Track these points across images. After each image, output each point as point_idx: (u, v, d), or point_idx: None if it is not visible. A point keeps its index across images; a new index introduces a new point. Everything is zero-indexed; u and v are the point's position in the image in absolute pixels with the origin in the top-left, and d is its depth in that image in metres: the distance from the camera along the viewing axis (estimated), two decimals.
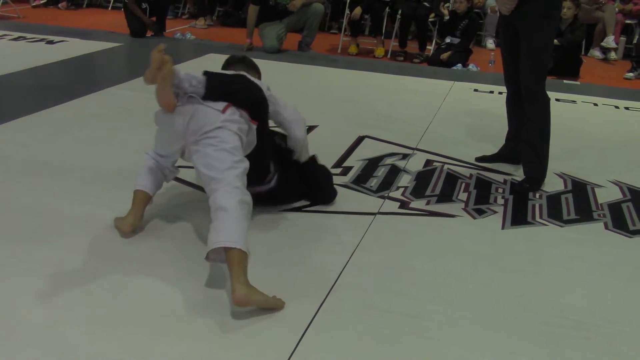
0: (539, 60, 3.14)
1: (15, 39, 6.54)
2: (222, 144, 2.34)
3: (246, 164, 2.37)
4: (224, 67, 2.87)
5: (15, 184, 2.97)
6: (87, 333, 1.95)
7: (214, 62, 5.84)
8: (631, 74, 6.54)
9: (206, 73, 2.51)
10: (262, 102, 2.60)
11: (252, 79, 2.66)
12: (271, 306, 2.09)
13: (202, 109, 2.41)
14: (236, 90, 2.51)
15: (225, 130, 2.37)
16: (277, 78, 5.45)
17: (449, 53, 6.56)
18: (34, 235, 2.51)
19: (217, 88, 2.46)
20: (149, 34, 7.03)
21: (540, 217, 2.96)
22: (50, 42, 6.46)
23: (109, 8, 9.42)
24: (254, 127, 2.51)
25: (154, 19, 7.10)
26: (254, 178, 2.53)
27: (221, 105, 2.42)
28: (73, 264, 2.32)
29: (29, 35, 6.71)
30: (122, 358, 1.85)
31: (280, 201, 2.85)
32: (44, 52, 5.98)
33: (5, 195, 2.84)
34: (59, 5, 9.19)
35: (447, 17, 6.75)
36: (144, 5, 6.98)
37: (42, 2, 9.26)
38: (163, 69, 2.32)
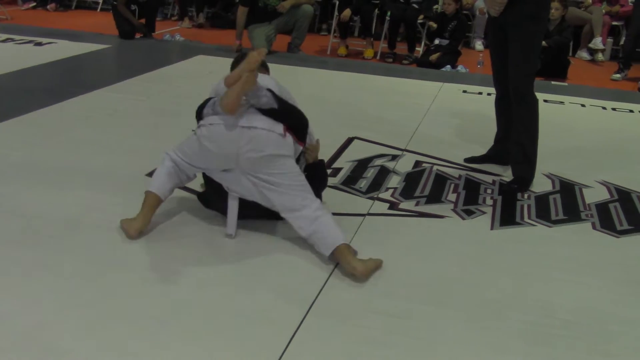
0: (527, 62, 3.16)
1: (4, 41, 6.50)
2: (293, 175, 2.45)
3: None
4: (233, 65, 2.75)
5: (3, 186, 2.95)
6: (76, 337, 1.94)
7: (203, 64, 5.85)
8: (618, 75, 6.59)
9: (276, 95, 2.49)
10: (306, 125, 2.63)
11: (269, 79, 2.64)
12: (379, 266, 2.40)
13: (260, 133, 2.38)
14: (290, 111, 2.53)
15: (290, 159, 2.45)
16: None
17: (438, 54, 6.58)
18: (23, 238, 2.50)
19: (280, 106, 2.46)
20: (137, 35, 7.01)
21: (529, 218, 2.98)
22: (39, 44, 6.42)
23: (98, 9, 9.38)
24: (300, 149, 2.57)
25: (142, 20, 7.08)
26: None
27: (280, 127, 2.42)
28: (62, 267, 2.31)
29: (17, 37, 6.67)
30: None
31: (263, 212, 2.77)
32: (33, 54, 5.95)
33: None
34: (48, 7, 9.15)
35: (433, 27, 6.76)
36: (133, 7, 6.96)
37: (31, 5, 9.22)
38: (253, 74, 2.33)
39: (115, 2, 6.92)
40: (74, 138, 3.66)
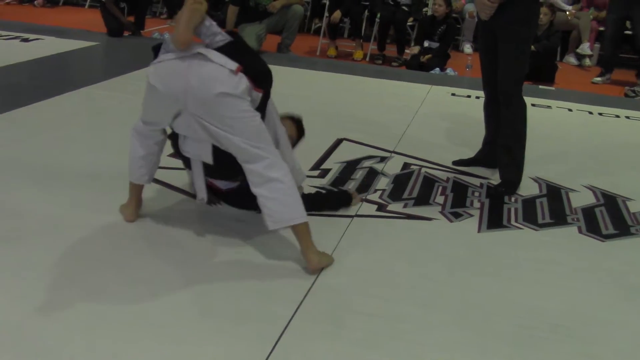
0: (516, 66, 3.18)
1: None
2: (250, 116, 2.23)
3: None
4: None
5: None
6: (63, 336, 1.92)
7: None
8: (599, 79, 6.65)
9: (235, 33, 2.40)
10: (268, 74, 2.38)
11: None
12: (330, 263, 2.39)
13: (209, 67, 2.18)
14: (249, 52, 2.35)
15: (243, 101, 2.21)
16: None
17: (429, 55, 6.60)
18: (10, 236, 2.47)
19: (238, 44, 2.32)
20: (126, 33, 6.97)
21: (516, 221, 2.99)
22: (25, 40, 6.37)
23: (86, 6, 9.32)
24: (258, 97, 2.30)
25: (131, 18, 7.04)
26: (225, 170, 2.45)
27: (233, 65, 2.19)
28: (49, 266, 2.29)
29: (3, 33, 6.61)
30: None
31: (240, 204, 2.75)
32: (19, 50, 5.89)
33: None
34: (35, 2, 9.07)
35: (414, 52, 6.76)
36: (122, 5, 6.91)
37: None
38: (197, 2, 2.20)
39: (103, 0, 6.88)
40: (60, 136, 3.63)
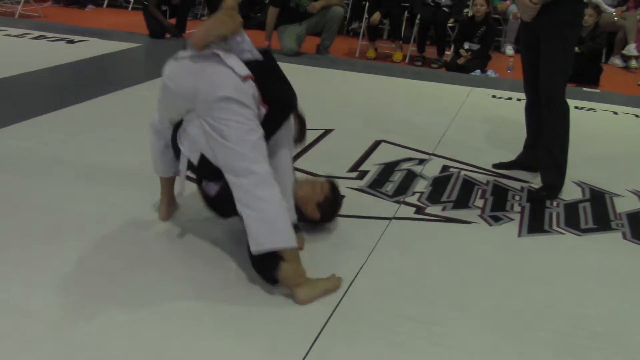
0: (559, 68, 3.12)
1: (36, 38, 6.61)
2: (250, 126, 2.11)
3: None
4: None
5: (33, 181, 2.99)
6: (102, 332, 1.95)
7: None
8: None
9: (269, 53, 2.32)
10: (287, 105, 2.31)
11: None
12: (331, 290, 2.20)
13: (219, 69, 2.13)
14: (277, 75, 2.28)
15: (248, 109, 2.12)
16: (295, 81, 5.44)
17: (468, 56, 6.53)
18: (51, 233, 2.53)
19: (261, 67, 2.24)
20: (167, 35, 7.06)
21: (558, 226, 2.93)
22: (70, 42, 6.52)
23: (129, 8, 9.49)
24: (262, 112, 2.21)
25: (173, 21, 7.14)
26: (212, 169, 2.24)
27: (245, 71, 2.13)
28: (89, 263, 2.33)
29: (49, 35, 6.78)
30: (135, 358, 1.85)
31: (221, 210, 2.43)
32: (64, 52, 6.03)
33: (24, 193, 2.87)
34: (86, 8, 9.26)
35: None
36: (164, 8, 7.01)
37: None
38: (230, 16, 2.16)
39: (146, 3, 6.99)
40: (102, 135, 3.70)
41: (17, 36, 6.65)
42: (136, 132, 3.77)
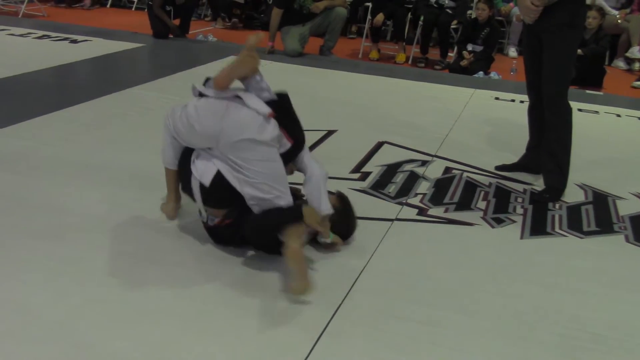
0: (561, 70, 3.12)
1: (40, 37, 6.62)
2: (273, 160, 2.30)
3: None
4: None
5: (35, 180, 3.00)
6: (104, 331, 1.96)
7: None
8: (639, 83, 6.47)
9: (284, 94, 2.45)
10: (301, 143, 2.49)
11: None
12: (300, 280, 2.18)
13: (243, 112, 2.26)
14: (290, 113, 2.44)
15: (270, 147, 2.28)
16: (298, 82, 5.46)
17: (471, 58, 6.52)
18: (53, 233, 2.53)
19: (282, 105, 2.38)
20: (171, 35, 7.07)
21: (560, 228, 2.93)
22: (74, 42, 6.52)
23: (133, 8, 9.50)
24: (288, 145, 2.39)
25: (177, 21, 7.14)
26: (219, 195, 2.37)
27: (267, 110, 2.28)
28: (92, 262, 2.34)
29: (53, 34, 6.79)
30: (137, 358, 1.85)
31: (225, 240, 2.52)
32: (68, 51, 6.04)
33: (26, 192, 2.87)
34: (83, 3, 9.28)
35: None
36: (168, 8, 7.03)
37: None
38: (251, 56, 2.31)
39: (150, 3, 7.00)
40: (105, 135, 3.71)
41: (20, 35, 6.66)
42: (139, 132, 3.77)
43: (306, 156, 2.51)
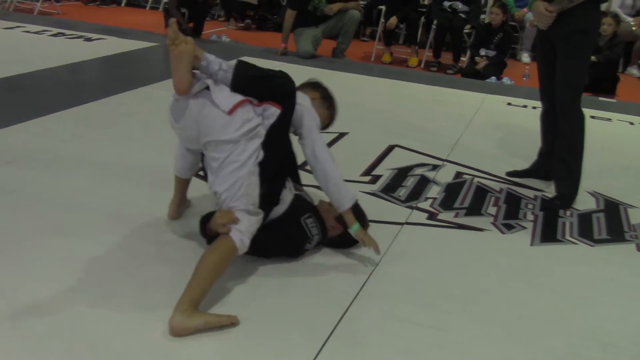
0: (575, 76, 3.10)
1: (55, 35, 6.67)
2: (238, 166, 2.15)
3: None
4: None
5: (47, 176, 3.02)
6: (111, 329, 1.96)
7: None
8: None
9: (239, 61, 2.30)
10: (285, 93, 2.33)
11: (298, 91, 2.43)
12: (219, 324, 2.00)
13: (207, 111, 2.17)
14: (262, 77, 2.29)
15: (235, 145, 2.16)
16: None
17: (485, 62, 6.51)
18: (64, 229, 2.55)
19: (244, 75, 2.24)
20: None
21: (571, 235, 2.91)
22: (88, 40, 6.56)
23: (147, 7, 9.55)
24: (275, 112, 2.27)
25: (191, 24, 7.18)
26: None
27: (229, 103, 2.16)
28: (102, 260, 2.35)
29: (67, 32, 6.83)
30: (145, 356, 1.86)
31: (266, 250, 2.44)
32: (82, 49, 6.07)
33: (38, 188, 2.89)
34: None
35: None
36: (183, 10, 7.07)
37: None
38: (178, 46, 2.13)
39: (167, 6, 7.06)
40: (118, 133, 3.73)
41: (36, 33, 6.70)
42: (151, 131, 3.79)
43: (312, 133, 2.38)
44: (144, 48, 6.42)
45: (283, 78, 2.36)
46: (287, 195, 2.43)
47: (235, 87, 2.21)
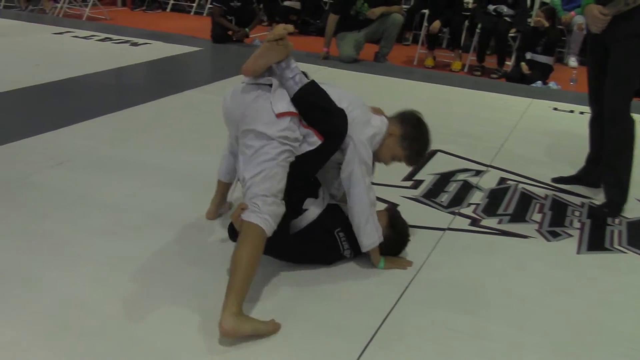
0: (626, 81, 3.02)
1: (102, 40, 6.82)
2: (270, 159, 2.15)
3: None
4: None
5: (94, 178, 3.08)
6: (154, 328, 1.99)
7: None
8: None
9: (311, 82, 2.30)
10: (339, 136, 2.30)
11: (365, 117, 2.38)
12: (267, 332, 2.01)
13: (260, 104, 2.20)
14: (321, 108, 2.28)
15: (274, 144, 2.16)
16: (352, 88, 5.44)
17: (527, 69, 6.40)
18: (111, 230, 2.59)
19: (307, 97, 2.25)
20: (231, 36, 7.17)
21: (619, 244, 2.83)
22: (135, 44, 6.69)
23: (192, 13, 9.68)
24: (318, 142, 2.27)
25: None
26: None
27: (285, 106, 2.20)
28: (145, 261, 2.38)
29: (114, 37, 6.98)
30: (183, 356, 1.88)
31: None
32: (128, 54, 6.20)
33: (86, 190, 2.95)
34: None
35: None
36: (230, 17, 7.16)
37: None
38: (279, 45, 2.21)
39: (213, 14, 7.16)
40: (162, 136, 3.79)
41: (84, 38, 6.87)
42: (196, 134, 3.84)
43: (353, 163, 2.32)
44: (188, 52, 6.51)
45: (339, 119, 2.30)
46: (317, 205, 2.41)
47: (295, 101, 2.24)
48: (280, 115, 2.18)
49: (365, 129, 2.35)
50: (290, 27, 2.24)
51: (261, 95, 2.24)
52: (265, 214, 2.09)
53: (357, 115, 2.35)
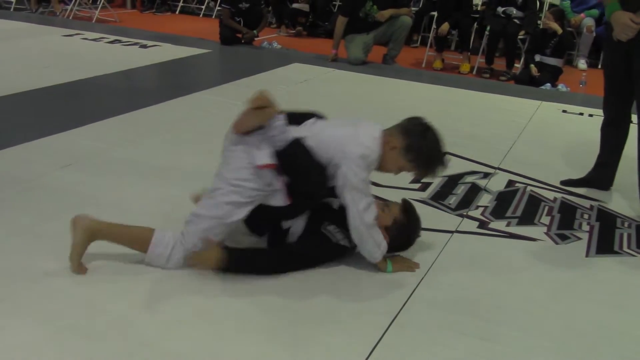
0: None
1: (111, 42, 6.85)
2: (221, 197, 2.30)
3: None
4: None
5: (103, 180, 3.10)
6: (164, 330, 2.00)
7: (299, 72, 5.93)
8: None
9: (296, 140, 2.28)
10: (310, 197, 2.36)
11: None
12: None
13: (242, 156, 2.28)
14: (298, 170, 2.27)
15: (237, 188, 2.27)
16: (360, 90, 5.47)
17: (536, 72, 6.39)
18: None
19: (288, 158, 2.26)
20: (240, 37, 7.19)
21: (628, 247, 2.82)
22: (144, 47, 6.72)
23: (200, 15, 9.72)
24: (286, 202, 2.31)
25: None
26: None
27: (262, 160, 2.23)
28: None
29: (124, 39, 7.01)
30: (195, 357, 1.88)
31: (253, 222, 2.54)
32: (137, 56, 6.23)
33: (94, 191, 2.97)
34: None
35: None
36: (238, 19, 7.18)
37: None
38: (262, 110, 2.21)
39: (221, 17, 7.18)
40: (171, 138, 3.80)
41: (93, 40, 6.90)
42: (204, 135, 3.85)
43: (344, 189, 2.27)
44: (197, 55, 6.54)
45: (315, 185, 2.30)
46: (298, 218, 2.45)
47: (277, 156, 2.24)
48: (261, 167, 2.23)
49: (355, 149, 2.26)
50: (267, 95, 2.22)
51: (242, 151, 2.29)
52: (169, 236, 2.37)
53: (345, 135, 2.31)
